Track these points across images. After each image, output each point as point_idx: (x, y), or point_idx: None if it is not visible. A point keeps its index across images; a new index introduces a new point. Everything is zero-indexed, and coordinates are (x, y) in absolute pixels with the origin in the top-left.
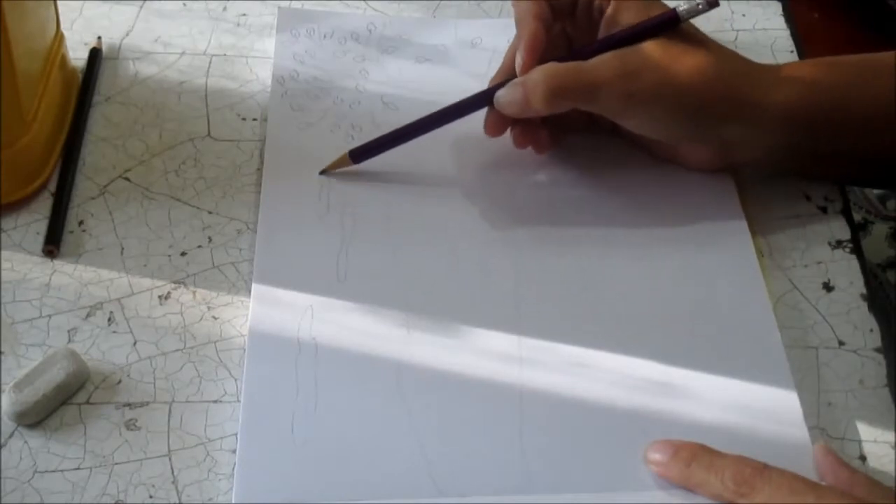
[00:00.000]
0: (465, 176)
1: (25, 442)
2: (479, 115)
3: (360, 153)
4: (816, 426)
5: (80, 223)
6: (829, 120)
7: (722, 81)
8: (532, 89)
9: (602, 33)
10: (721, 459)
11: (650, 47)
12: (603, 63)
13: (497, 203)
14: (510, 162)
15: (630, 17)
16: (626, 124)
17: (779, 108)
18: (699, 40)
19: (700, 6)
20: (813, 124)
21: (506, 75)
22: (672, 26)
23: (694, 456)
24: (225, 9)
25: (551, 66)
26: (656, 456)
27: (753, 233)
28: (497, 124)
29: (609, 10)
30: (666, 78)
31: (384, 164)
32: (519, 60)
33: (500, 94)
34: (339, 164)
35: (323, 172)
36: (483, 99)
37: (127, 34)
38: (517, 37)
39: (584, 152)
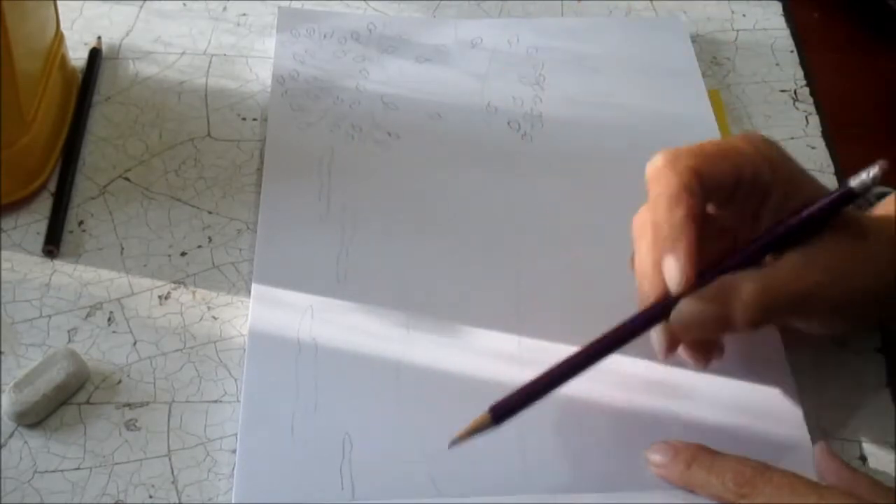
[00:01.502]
0: (465, 177)
1: (25, 442)
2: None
3: (504, 412)
4: (816, 426)
5: (80, 223)
6: None
7: None
8: (736, 306)
9: (768, 220)
10: (721, 460)
11: (838, 241)
12: (808, 266)
13: (498, 198)
14: (515, 166)
15: (801, 199)
16: (817, 328)
17: None
18: (858, 221)
19: (874, 179)
20: None
21: (657, 289)
22: (848, 203)
23: (694, 457)
24: (225, 9)
25: (758, 279)
26: (656, 457)
27: None
28: (673, 345)
29: (776, 196)
30: (875, 276)
31: (383, 165)
32: (676, 275)
33: (685, 315)
34: (477, 426)
35: (453, 444)
36: (646, 322)
37: (127, 34)
38: (661, 242)
39: None
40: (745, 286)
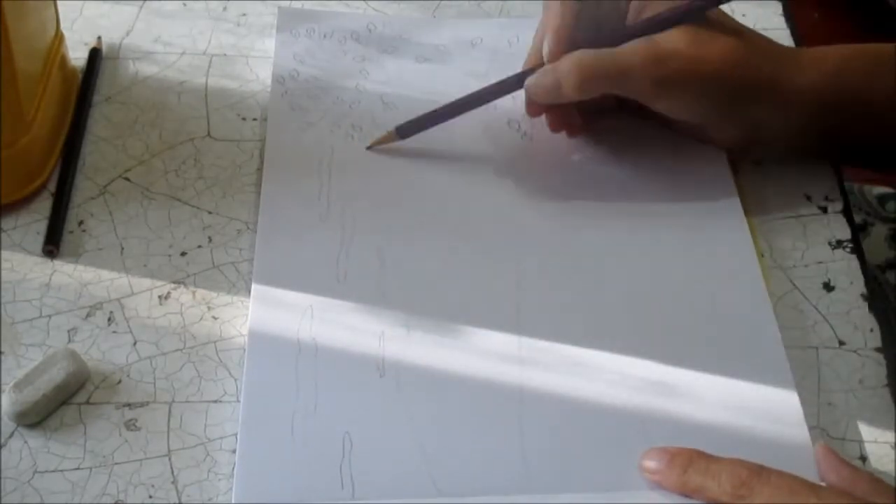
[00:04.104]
0: (465, 176)
1: (25, 442)
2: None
3: (407, 131)
4: (817, 426)
5: (80, 223)
6: (853, 105)
7: (748, 65)
8: (563, 76)
9: (631, 18)
10: (717, 464)
11: (680, 33)
12: (632, 49)
13: (498, 198)
14: (517, 155)
15: (658, 4)
16: (656, 107)
17: (803, 90)
18: (729, 26)
19: None
20: (837, 108)
21: (537, 59)
22: (713, 6)
23: (690, 462)
24: (225, 9)
25: (582, 54)
26: (651, 464)
27: (754, 233)
28: (534, 106)
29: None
30: (693, 63)
31: (383, 165)
32: (546, 48)
33: (531, 82)
34: (385, 139)
35: (370, 148)
36: (517, 82)
37: (127, 34)
38: (544, 22)
39: (610, 135)
40: (570, 59)
